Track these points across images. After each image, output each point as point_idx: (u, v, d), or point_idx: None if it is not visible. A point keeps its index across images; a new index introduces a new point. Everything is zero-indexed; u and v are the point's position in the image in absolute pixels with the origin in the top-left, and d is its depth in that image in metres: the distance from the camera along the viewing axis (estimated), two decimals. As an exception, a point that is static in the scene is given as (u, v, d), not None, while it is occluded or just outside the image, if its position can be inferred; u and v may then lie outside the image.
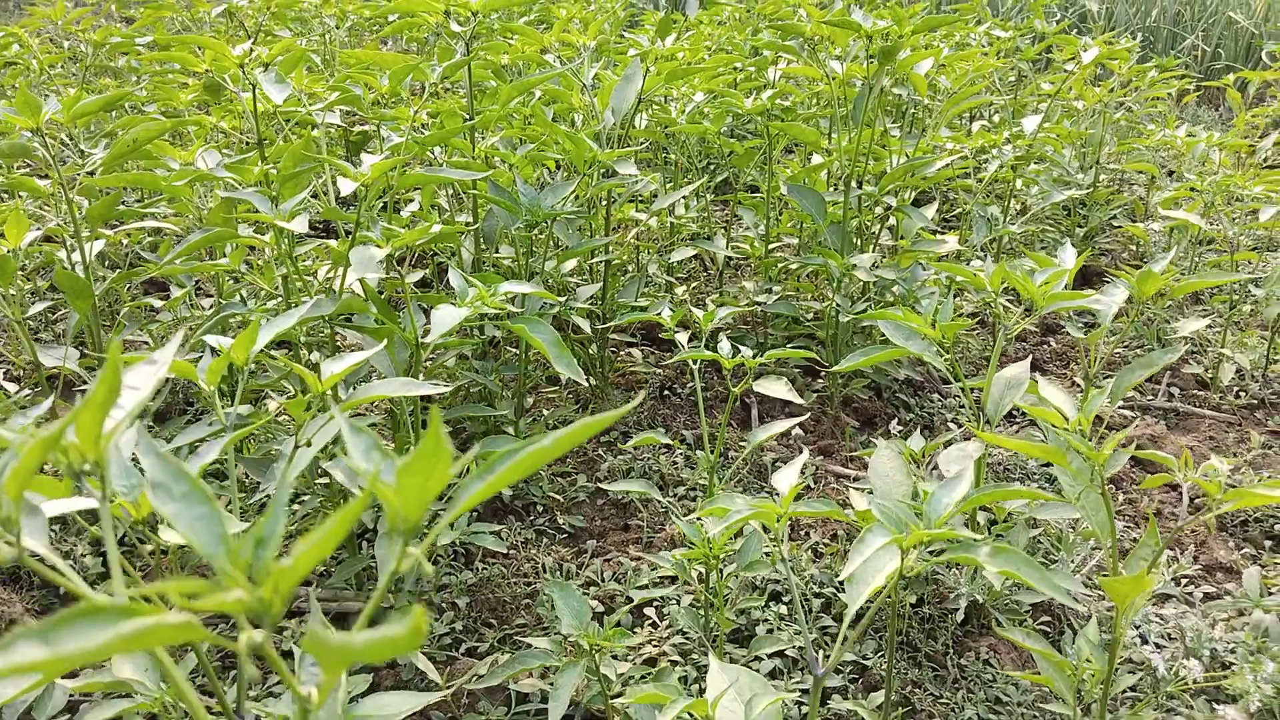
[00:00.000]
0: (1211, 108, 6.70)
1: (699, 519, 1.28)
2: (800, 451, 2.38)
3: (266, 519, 0.45)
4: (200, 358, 1.28)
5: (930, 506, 0.91)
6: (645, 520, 2.07)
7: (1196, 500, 2.18)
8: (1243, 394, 2.72)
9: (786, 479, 1.09)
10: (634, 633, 1.71)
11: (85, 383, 1.96)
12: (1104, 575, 1.91)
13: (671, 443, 1.60)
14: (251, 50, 1.61)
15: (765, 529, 1.06)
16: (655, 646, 1.66)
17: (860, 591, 0.89)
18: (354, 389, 1.21)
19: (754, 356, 1.52)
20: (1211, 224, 3.21)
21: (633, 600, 1.71)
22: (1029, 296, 1.63)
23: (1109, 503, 1.27)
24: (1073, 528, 1.91)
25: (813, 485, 2.22)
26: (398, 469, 0.49)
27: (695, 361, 1.61)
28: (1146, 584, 1.21)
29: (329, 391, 1.25)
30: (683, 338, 1.71)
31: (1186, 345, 1.74)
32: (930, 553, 0.96)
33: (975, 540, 0.86)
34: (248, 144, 3.19)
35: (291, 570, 0.42)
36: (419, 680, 1.59)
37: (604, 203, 2.44)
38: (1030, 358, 2.97)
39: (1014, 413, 2.57)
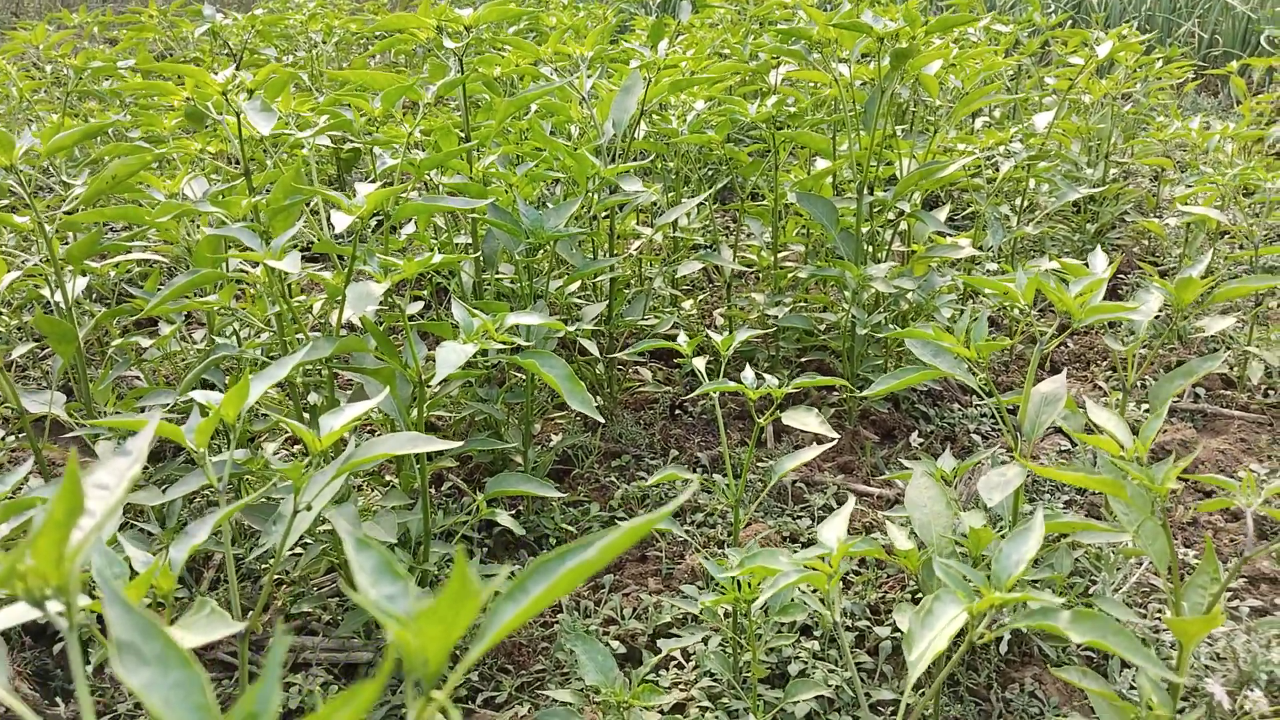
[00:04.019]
0: (1210, 95, 6.60)
1: (735, 576, 1.19)
2: (818, 469, 2.29)
3: (258, 690, 0.37)
4: (191, 408, 1.19)
5: (999, 564, 0.83)
6: (663, 550, 1.98)
7: (1235, 511, 2.10)
8: (1271, 392, 2.64)
9: (834, 531, 1.00)
10: (659, 675, 1.62)
11: (73, 429, 1.86)
12: (1158, 602, 1.83)
13: (692, 477, 1.51)
14: (235, 76, 1.52)
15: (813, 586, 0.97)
16: (683, 690, 1.57)
17: (924, 658, 0.81)
18: (355, 441, 1.12)
19: (779, 385, 1.43)
20: (1227, 216, 3.11)
21: (660, 650, 1.62)
22: (1065, 309, 1.54)
23: (1169, 533, 1.19)
24: (1113, 546, 1.83)
25: (835, 506, 2.13)
26: (419, 614, 0.40)
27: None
28: (1216, 622, 1.13)
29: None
30: (699, 363, 1.62)
31: (1225, 352, 1.66)
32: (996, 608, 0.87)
33: (1053, 606, 0.77)
34: (236, 163, 3.09)
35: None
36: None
37: (606, 217, 2.35)
38: (1050, 361, 2.89)
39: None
